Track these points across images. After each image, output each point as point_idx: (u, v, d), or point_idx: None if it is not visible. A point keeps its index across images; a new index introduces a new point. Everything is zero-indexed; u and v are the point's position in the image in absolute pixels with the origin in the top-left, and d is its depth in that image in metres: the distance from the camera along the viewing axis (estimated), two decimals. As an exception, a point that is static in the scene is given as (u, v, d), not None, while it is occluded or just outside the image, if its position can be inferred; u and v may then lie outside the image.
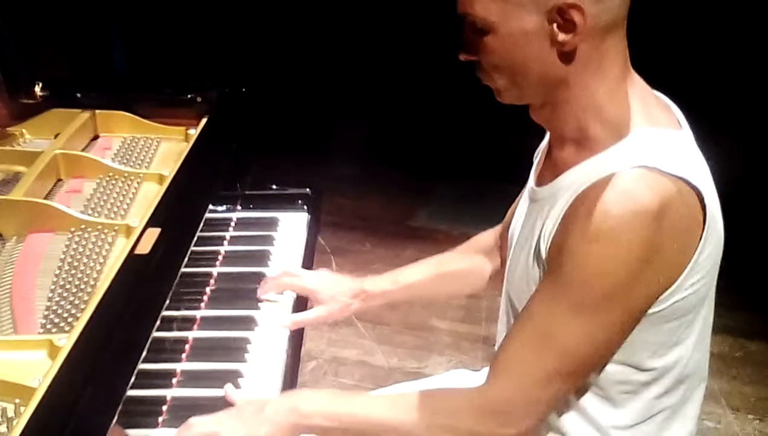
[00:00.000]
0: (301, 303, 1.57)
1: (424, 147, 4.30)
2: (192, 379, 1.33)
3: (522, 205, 1.32)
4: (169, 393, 1.30)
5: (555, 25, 1.07)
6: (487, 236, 1.58)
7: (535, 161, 1.34)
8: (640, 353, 1.16)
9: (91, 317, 1.23)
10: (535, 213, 1.22)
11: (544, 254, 1.15)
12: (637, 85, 1.16)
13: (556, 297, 1.11)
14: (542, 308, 1.13)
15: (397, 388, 1.56)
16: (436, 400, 1.22)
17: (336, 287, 1.54)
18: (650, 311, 1.12)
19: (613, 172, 1.06)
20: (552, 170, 1.21)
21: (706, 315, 1.21)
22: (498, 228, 1.56)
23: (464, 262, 1.57)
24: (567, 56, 1.09)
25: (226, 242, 1.72)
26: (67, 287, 1.39)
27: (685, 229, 1.08)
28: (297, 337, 1.50)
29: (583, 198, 1.09)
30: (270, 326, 1.48)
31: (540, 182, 1.25)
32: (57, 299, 1.36)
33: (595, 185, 1.07)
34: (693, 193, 1.08)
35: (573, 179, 1.14)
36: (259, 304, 1.53)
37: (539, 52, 1.09)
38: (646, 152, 1.07)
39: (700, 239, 1.10)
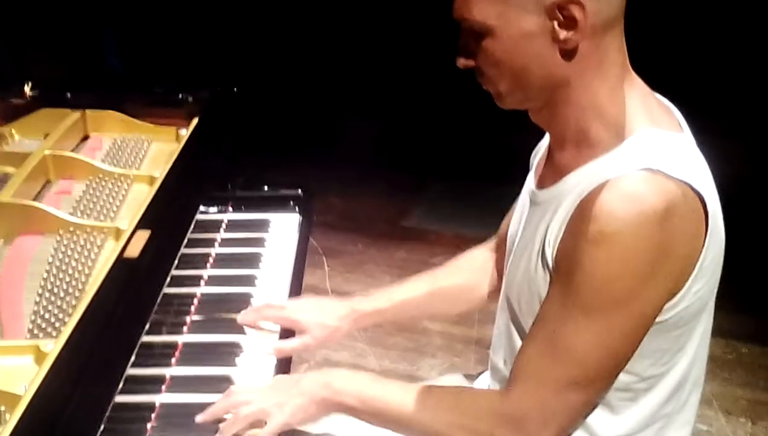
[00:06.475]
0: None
1: (417, 147, 4.29)
2: (181, 384, 1.32)
3: (521, 208, 1.30)
4: (158, 399, 1.28)
5: (556, 23, 1.06)
6: (482, 252, 1.54)
7: (534, 163, 1.33)
8: (642, 362, 1.15)
9: (79, 322, 1.21)
10: (538, 216, 1.20)
11: (550, 260, 1.14)
12: (637, 86, 1.15)
13: (566, 304, 1.10)
14: (553, 315, 1.12)
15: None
16: (462, 400, 1.23)
17: (321, 315, 1.47)
18: (657, 319, 1.11)
19: (616, 175, 1.06)
20: (553, 173, 1.20)
21: (706, 321, 1.20)
22: (492, 242, 1.52)
23: (459, 278, 1.52)
24: (568, 54, 1.08)
25: (216, 244, 1.71)
26: (55, 290, 1.37)
27: (689, 233, 1.08)
28: (288, 341, 1.48)
29: (587, 202, 1.08)
30: (260, 329, 1.46)
31: (541, 185, 1.23)
32: (45, 303, 1.34)
33: (599, 188, 1.06)
34: (696, 198, 1.07)
35: (576, 182, 1.13)
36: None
37: (541, 51, 1.08)
38: (649, 155, 1.07)
39: (704, 244, 1.09)
